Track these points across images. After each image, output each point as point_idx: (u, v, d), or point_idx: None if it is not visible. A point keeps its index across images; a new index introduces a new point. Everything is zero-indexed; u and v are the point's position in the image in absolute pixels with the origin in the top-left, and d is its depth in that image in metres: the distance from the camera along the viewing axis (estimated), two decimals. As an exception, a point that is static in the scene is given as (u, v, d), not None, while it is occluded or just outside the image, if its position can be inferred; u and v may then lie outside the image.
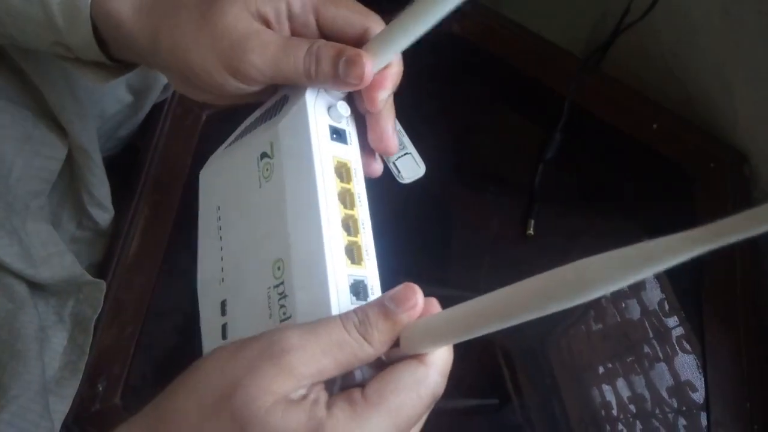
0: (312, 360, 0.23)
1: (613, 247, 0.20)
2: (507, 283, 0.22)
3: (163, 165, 0.56)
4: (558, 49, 0.72)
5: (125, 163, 0.58)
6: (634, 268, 0.20)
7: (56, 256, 0.46)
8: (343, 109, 0.31)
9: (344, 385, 0.25)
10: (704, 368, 0.56)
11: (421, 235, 0.62)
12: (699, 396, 0.56)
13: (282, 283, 0.27)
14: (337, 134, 0.30)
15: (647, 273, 0.19)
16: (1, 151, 0.43)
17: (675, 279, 0.61)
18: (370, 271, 0.28)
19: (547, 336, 0.59)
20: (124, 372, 0.48)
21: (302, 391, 0.23)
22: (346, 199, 0.29)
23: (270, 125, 0.31)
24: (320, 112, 0.30)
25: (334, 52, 0.29)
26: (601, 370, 0.58)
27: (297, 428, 0.22)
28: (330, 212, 0.27)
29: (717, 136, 0.69)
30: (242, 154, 0.33)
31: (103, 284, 0.48)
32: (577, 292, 0.21)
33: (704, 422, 0.54)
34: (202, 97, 0.33)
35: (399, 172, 0.67)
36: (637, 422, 0.56)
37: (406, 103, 0.67)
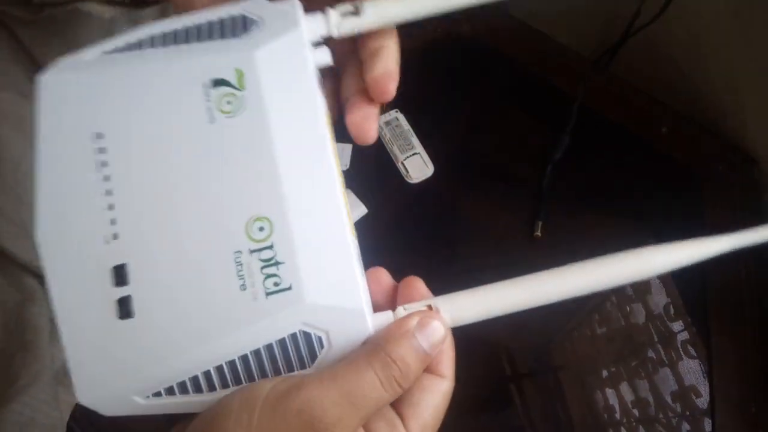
0: (351, 428, 0.22)
1: (618, 248, 0.22)
2: None
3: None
4: (568, 50, 0.72)
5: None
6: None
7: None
8: (328, 57, 0.26)
9: None
10: (709, 373, 0.56)
11: (428, 235, 0.62)
12: (703, 401, 0.56)
13: (269, 247, 0.22)
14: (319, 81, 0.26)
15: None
16: (11, 143, 0.44)
17: (681, 283, 0.61)
18: (355, 240, 0.25)
19: (551, 339, 0.59)
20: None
21: None
22: (336, 157, 0.25)
23: (230, 48, 0.25)
24: (310, 49, 0.25)
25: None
26: (604, 373, 0.58)
27: None
28: (336, 171, 0.24)
29: (726, 138, 0.69)
30: (162, 72, 0.25)
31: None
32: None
33: (708, 428, 0.54)
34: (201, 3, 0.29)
35: (407, 172, 0.67)
36: (641, 427, 0.56)
37: (415, 103, 0.67)
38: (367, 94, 0.26)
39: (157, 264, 0.23)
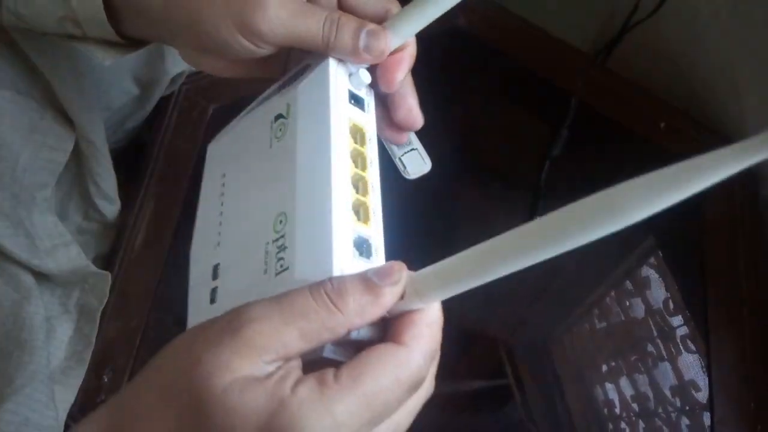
0: (273, 331, 0.21)
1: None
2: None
3: (169, 158, 0.56)
4: (565, 45, 0.72)
5: (131, 156, 0.58)
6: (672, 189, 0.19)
7: (62, 247, 0.46)
8: (365, 76, 0.31)
9: (325, 365, 0.23)
10: (708, 367, 0.56)
11: (426, 231, 0.62)
12: (702, 395, 0.56)
13: (283, 236, 0.27)
14: (356, 100, 0.30)
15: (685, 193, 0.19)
16: (8, 141, 0.43)
17: (680, 278, 0.61)
18: (375, 232, 0.28)
19: (550, 333, 0.59)
20: (129, 363, 0.49)
21: (269, 368, 0.21)
22: (357, 160, 0.29)
23: (289, 89, 0.31)
24: (341, 75, 0.30)
25: (356, 24, 0.29)
26: (604, 368, 0.58)
27: (255, 408, 0.20)
28: (340, 167, 0.27)
29: (724, 134, 0.69)
30: (255, 120, 0.33)
31: (109, 276, 0.48)
32: (610, 221, 0.19)
33: (708, 422, 0.54)
34: (210, 66, 0.33)
35: (405, 167, 0.67)
36: (640, 421, 0.56)
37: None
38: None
39: (231, 263, 0.30)
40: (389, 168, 0.66)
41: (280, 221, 0.27)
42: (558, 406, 0.56)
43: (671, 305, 0.60)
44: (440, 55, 0.70)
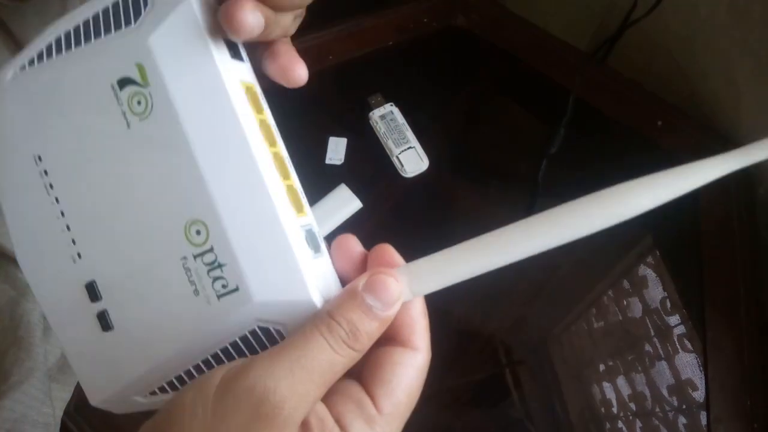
0: (307, 399, 0.20)
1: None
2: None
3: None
4: (564, 43, 0.72)
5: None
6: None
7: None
8: None
9: None
10: (705, 366, 0.56)
11: (424, 229, 0.62)
12: (699, 395, 0.56)
13: (210, 250, 0.22)
14: (233, 50, 0.23)
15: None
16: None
17: (677, 277, 0.61)
18: (312, 219, 0.24)
19: (548, 332, 0.59)
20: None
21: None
22: (264, 133, 0.23)
23: (126, 39, 0.22)
24: (208, 16, 0.22)
25: None
26: (601, 367, 0.58)
27: None
28: (262, 154, 0.22)
29: (722, 133, 0.69)
30: (74, 80, 0.23)
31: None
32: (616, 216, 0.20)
33: (704, 421, 0.54)
34: None
35: (402, 165, 0.67)
36: (637, 420, 0.56)
37: (410, 97, 0.67)
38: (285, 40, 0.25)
39: (117, 278, 0.23)
40: (387, 166, 0.66)
41: (197, 231, 0.22)
42: (555, 405, 0.56)
43: (668, 304, 0.60)
44: (438, 53, 0.70)
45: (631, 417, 0.56)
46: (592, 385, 0.57)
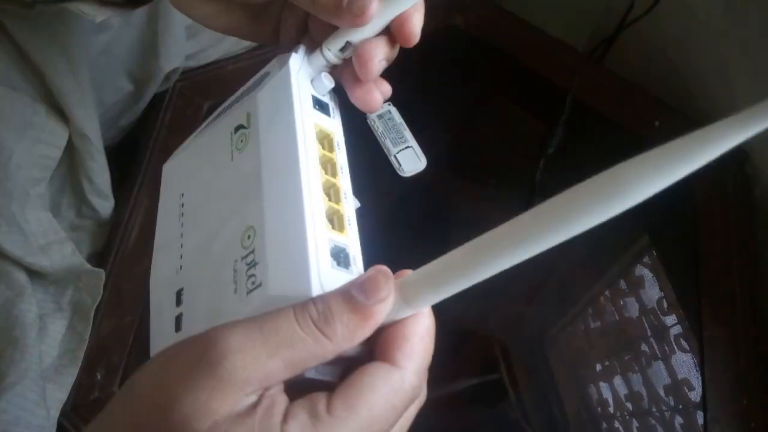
0: (256, 364, 0.20)
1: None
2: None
3: (163, 155, 0.55)
4: (561, 43, 0.72)
5: (125, 154, 0.58)
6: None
7: (56, 245, 0.46)
8: (328, 80, 0.29)
9: (306, 385, 0.22)
10: (701, 366, 0.56)
11: (421, 229, 0.62)
12: (696, 394, 0.56)
13: (252, 252, 0.25)
14: (320, 106, 0.29)
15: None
16: (1, 137, 0.43)
17: (673, 277, 0.61)
18: (352, 241, 0.26)
19: (545, 332, 0.59)
20: (123, 361, 0.48)
21: (253, 398, 0.20)
22: (327, 166, 0.27)
23: (248, 98, 0.30)
24: (303, 80, 0.29)
25: None
26: (598, 367, 0.58)
27: None
28: (310, 175, 0.25)
29: (719, 133, 0.69)
30: (214, 134, 0.31)
31: (103, 273, 0.48)
32: (615, 202, 0.19)
33: (701, 420, 0.55)
34: (200, 11, 0.31)
35: (400, 165, 0.67)
36: (634, 420, 0.56)
37: (408, 97, 0.67)
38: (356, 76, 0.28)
39: (195, 286, 0.28)
40: (385, 166, 0.66)
41: (248, 236, 0.25)
42: (552, 404, 0.56)
43: (665, 304, 0.60)
44: (436, 53, 0.70)
45: (627, 417, 0.56)
46: (589, 384, 0.57)
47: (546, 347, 0.58)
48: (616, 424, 0.56)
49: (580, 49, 0.76)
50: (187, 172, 0.32)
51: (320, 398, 0.20)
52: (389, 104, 0.66)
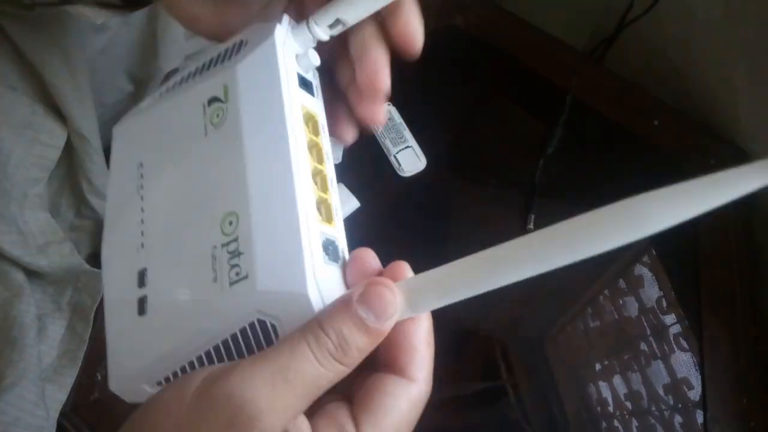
0: (288, 412, 0.20)
1: None
2: None
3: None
4: (561, 43, 0.72)
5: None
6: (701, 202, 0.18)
7: (54, 245, 0.46)
8: (314, 57, 0.28)
9: None
10: (701, 365, 0.56)
11: (421, 229, 0.62)
12: (695, 393, 0.56)
13: (235, 239, 0.23)
14: (305, 84, 0.27)
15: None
16: (0, 137, 0.43)
17: (673, 276, 0.61)
18: (339, 233, 0.25)
19: (544, 332, 0.59)
20: (121, 361, 0.48)
21: None
22: (313, 151, 0.26)
23: (223, 68, 0.28)
24: (289, 56, 0.27)
25: None
26: (597, 366, 0.58)
27: None
28: (301, 160, 0.24)
29: (718, 132, 0.69)
30: (181, 102, 0.29)
31: (102, 274, 0.48)
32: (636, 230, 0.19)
33: (700, 419, 0.55)
34: (204, 12, 0.30)
35: (400, 165, 0.67)
36: (633, 419, 0.56)
37: (408, 96, 0.67)
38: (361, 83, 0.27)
39: (163, 267, 0.26)
40: (385, 166, 0.66)
41: (230, 222, 0.24)
42: (552, 404, 0.56)
43: (664, 303, 0.60)
44: (436, 52, 0.70)
45: (627, 416, 0.56)
46: (589, 384, 0.57)
47: (546, 347, 0.58)
48: (616, 424, 0.56)
49: (580, 49, 0.76)
50: (146, 139, 0.30)
51: (348, 425, 0.21)
52: (389, 104, 0.65)
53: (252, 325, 0.23)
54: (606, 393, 0.57)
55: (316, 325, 0.21)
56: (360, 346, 0.21)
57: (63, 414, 0.44)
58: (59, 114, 0.46)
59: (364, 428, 0.21)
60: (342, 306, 0.21)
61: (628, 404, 0.56)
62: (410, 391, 0.22)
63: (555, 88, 0.68)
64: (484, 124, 0.70)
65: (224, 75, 0.27)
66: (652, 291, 0.61)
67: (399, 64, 0.30)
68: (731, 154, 0.67)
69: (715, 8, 0.67)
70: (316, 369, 0.20)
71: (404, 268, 0.24)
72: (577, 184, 0.66)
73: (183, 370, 0.24)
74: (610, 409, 0.56)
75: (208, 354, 0.24)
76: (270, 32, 0.27)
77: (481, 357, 0.58)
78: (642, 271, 0.62)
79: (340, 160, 0.62)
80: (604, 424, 0.56)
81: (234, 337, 0.23)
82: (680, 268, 0.62)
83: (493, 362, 0.57)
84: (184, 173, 0.27)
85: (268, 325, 0.23)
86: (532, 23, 0.73)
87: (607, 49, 0.77)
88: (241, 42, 0.28)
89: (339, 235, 0.25)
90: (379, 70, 0.27)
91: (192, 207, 0.26)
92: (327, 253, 0.23)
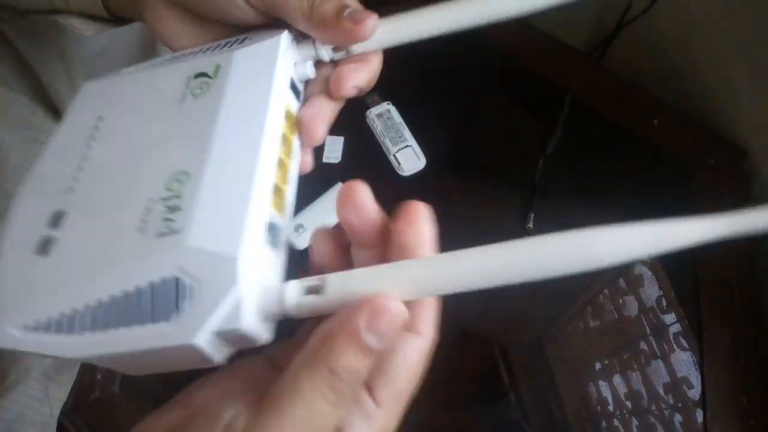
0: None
1: None
2: None
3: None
4: (560, 43, 0.72)
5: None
6: (648, 247, 0.19)
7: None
8: (310, 70, 0.29)
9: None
10: (701, 364, 0.57)
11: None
12: (695, 392, 0.56)
13: (178, 196, 0.23)
14: (294, 90, 0.29)
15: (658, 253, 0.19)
16: None
17: (673, 276, 0.61)
18: (285, 224, 0.25)
19: (544, 331, 0.59)
20: (122, 361, 0.48)
21: None
22: (285, 144, 0.26)
23: (220, 52, 0.29)
24: (288, 59, 0.28)
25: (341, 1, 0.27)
26: (597, 366, 0.58)
27: None
28: (270, 144, 0.25)
29: (717, 131, 0.69)
30: (164, 74, 0.29)
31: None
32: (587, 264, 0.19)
33: (700, 418, 0.55)
34: (180, 33, 0.30)
35: (399, 164, 0.67)
36: (633, 418, 0.56)
37: (407, 96, 0.67)
38: (326, 90, 0.28)
39: (84, 214, 0.25)
40: (384, 165, 0.66)
41: (178, 180, 0.24)
42: (552, 404, 0.56)
43: (664, 303, 0.60)
44: (436, 52, 0.70)
45: (627, 415, 0.56)
46: (589, 383, 0.57)
47: (546, 347, 0.59)
48: (616, 423, 0.56)
49: (580, 48, 0.76)
50: (113, 99, 0.30)
51: (361, 394, 0.21)
52: (388, 103, 0.66)
53: (166, 281, 0.22)
54: (606, 392, 0.57)
55: (326, 372, 0.19)
56: (369, 367, 0.20)
57: (63, 413, 0.44)
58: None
59: (379, 391, 0.21)
60: (348, 339, 0.19)
61: (628, 403, 0.56)
62: (418, 344, 0.22)
63: (555, 88, 0.68)
64: (484, 124, 0.70)
65: (219, 56, 0.28)
66: (651, 290, 0.61)
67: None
68: (730, 153, 0.67)
69: (713, 8, 0.67)
70: (337, 413, 0.20)
71: (420, 212, 0.25)
72: (577, 183, 0.66)
73: (70, 316, 0.22)
74: (610, 408, 0.56)
75: (100, 302, 0.22)
76: (277, 34, 0.28)
77: (481, 357, 0.58)
78: (642, 270, 0.62)
79: (339, 158, 0.62)
80: (604, 424, 0.56)
81: (139, 290, 0.22)
82: (680, 267, 0.62)
83: (493, 362, 0.57)
84: (143, 129, 0.27)
85: (186, 285, 0.22)
86: (532, 23, 0.73)
87: (607, 49, 0.77)
88: (245, 38, 0.30)
89: (286, 225, 0.25)
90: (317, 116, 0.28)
91: (140, 161, 0.26)
92: (270, 235, 0.23)
